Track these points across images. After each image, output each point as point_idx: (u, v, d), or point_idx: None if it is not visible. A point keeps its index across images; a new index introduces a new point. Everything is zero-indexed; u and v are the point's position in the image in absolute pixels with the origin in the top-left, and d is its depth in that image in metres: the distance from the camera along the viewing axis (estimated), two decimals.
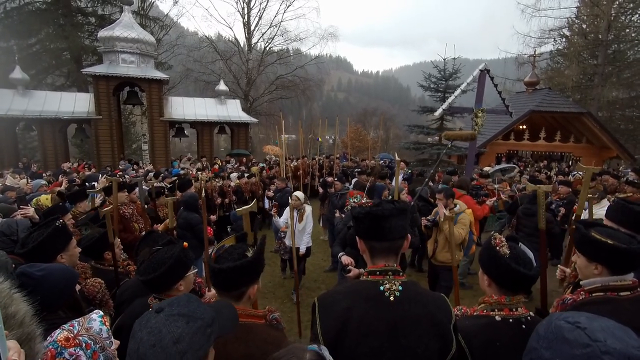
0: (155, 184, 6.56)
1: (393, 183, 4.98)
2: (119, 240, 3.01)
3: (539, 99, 16.32)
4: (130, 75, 13.14)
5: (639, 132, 20.98)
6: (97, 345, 1.14)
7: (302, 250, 5.12)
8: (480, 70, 8.79)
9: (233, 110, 15.81)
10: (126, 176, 8.58)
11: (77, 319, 1.19)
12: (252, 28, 24.60)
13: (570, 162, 16.15)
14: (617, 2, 18.61)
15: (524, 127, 16.67)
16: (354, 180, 6.58)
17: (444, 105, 9.90)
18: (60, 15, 17.71)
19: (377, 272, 1.37)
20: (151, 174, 8.82)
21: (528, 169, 13.48)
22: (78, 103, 13.38)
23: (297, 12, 27.24)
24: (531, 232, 4.62)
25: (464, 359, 1.33)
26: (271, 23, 24.60)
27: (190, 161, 13.99)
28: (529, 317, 1.39)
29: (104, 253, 2.77)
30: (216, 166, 12.60)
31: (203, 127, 15.17)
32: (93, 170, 10.85)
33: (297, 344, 1.03)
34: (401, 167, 8.49)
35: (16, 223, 2.79)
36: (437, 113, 10.98)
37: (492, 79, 9.13)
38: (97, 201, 4.73)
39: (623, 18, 19.73)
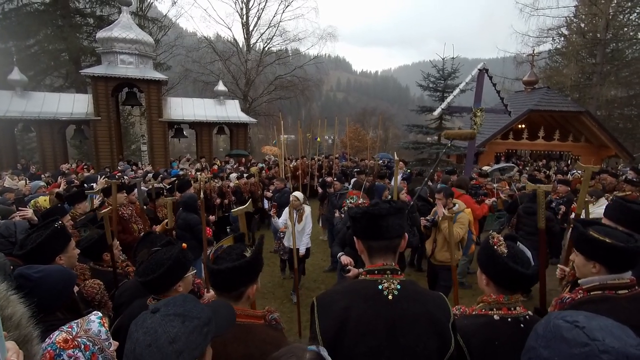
0: (155, 185, 6.55)
1: (392, 183, 4.98)
2: (118, 241, 3.01)
3: (537, 98, 16.35)
4: (129, 76, 13.12)
5: (638, 131, 21.02)
6: (96, 347, 1.14)
7: (302, 251, 5.09)
8: (479, 69, 8.81)
9: (232, 111, 15.80)
10: (125, 177, 8.56)
11: (76, 321, 1.19)
12: (251, 28, 24.61)
13: (569, 161, 16.18)
14: (615, 1, 18.65)
15: (523, 126, 16.69)
16: (353, 180, 6.58)
17: (443, 105, 9.90)
18: (59, 17, 17.70)
19: (376, 271, 1.37)
20: (150, 175, 8.80)
21: (527, 168, 13.50)
22: (77, 104, 13.37)
23: (296, 12, 27.41)
24: (532, 230, 4.61)
25: (463, 358, 1.33)
26: (270, 23, 24.64)
27: (190, 162, 13.98)
28: (527, 316, 1.39)
29: (102, 254, 2.76)
30: (215, 167, 12.58)
31: (202, 128, 15.16)
32: (92, 171, 10.82)
33: (296, 344, 1.03)
34: (400, 166, 8.49)
35: (14, 225, 2.78)
36: (436, 113, 11.00)
37: (490, 78, 9.15)
38: (96, 202, 4.72)
39: (621, 17, 19.78)
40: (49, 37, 17.78)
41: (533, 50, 19.45)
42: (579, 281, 1.66)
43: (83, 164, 12.57)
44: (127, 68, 13.34)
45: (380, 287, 1.32)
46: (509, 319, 1.37)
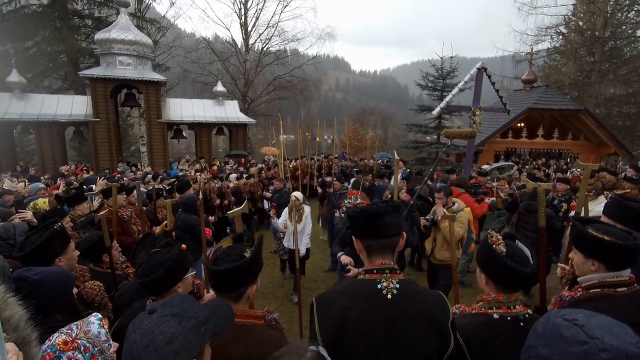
0: (154, 186, 6.55)
1: (392, 182, 4.98)
2: (117, 243, 3.01)
3: (536, 96, 16.36)
4: (128, 77, 13.11)
5: (637, 129, 21.03)
6: (96, 349, 1.14)
7: (302, 252, 5.08)
8: (478, 68, 8.81)
9: (231, 111, 15.80)
10: (124, 178, 8.56)
11: (76, 322, 1.19)
12: (250, 29, 24.60)
13: (569, 159, 16.20)
14: None
15: (522, 124, 16.71)
16: (352, 180, 6.57)
17: (442, 104, 9.91)
18: (57, 18, 17.66)
19: (374, 271, 1.37)
20: (149, 176, 8.80)
21: (527, 166, 13.51)
22: (75, 106, 13.36)
23: (294, 13, 27.49)
24: (533, 228, 4.62)
25: (462, 356, 1.33)
26: (268, 23, 24.63)
27: (189, 162, 13.98)
28: (526, 315, 1.40)
29: (102, 256, 2.76)
30: (215, 167, 12.58)
31: (201, 129, 15.15)
32: (91, 172, 10.83)
33: (297, 343, 1.03)
34: (400, 166, 8.49)
35: (14, 227, 2.78)
36: (435, 112, 11.00)
37: (489, 77, 9.15)
38: (95, 204, 4.72)
39: (619, 15, 19.80)
40: (47, 39, 17.75)
41: (531, 49, 19.49)
42: (578, 279, 1.66)
43: (82, 165, 12.56)
44: (126, 69, 13.33)
45: (379, 286, 1.32)
46: (509, 318, 1.38)
